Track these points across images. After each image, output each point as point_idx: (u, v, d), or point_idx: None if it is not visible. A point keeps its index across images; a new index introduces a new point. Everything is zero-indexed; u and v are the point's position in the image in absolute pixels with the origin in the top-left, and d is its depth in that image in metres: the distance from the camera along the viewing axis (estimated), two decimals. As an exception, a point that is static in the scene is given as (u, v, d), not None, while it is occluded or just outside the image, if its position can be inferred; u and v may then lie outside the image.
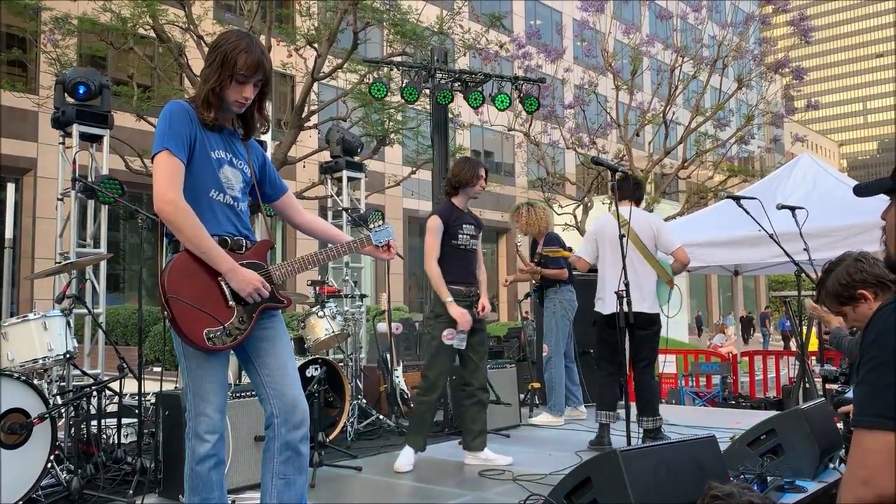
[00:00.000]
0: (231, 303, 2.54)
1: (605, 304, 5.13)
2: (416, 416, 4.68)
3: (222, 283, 2.52)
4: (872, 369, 1.34)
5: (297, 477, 2.62)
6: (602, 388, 5.31)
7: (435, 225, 4.63)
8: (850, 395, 3.18)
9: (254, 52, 2.53)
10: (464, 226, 4.71)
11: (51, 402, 3.95)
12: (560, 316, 6.29)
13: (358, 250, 2.92)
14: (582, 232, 17.34)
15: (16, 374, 3.75)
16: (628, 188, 5.31)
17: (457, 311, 4.53)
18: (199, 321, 2.47)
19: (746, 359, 9.69)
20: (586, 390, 6.71)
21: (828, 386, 5.60)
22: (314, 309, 5.68)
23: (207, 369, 2.55)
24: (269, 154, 3.89)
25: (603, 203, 17.93)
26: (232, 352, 2.67)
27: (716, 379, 9.12)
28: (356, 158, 7.26)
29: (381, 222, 2.96)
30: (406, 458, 4.59)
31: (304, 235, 3.12)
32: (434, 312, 4.68)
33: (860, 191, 1.57)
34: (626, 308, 4.17)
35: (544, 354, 6.42)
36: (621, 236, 4.29)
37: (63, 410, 4.12)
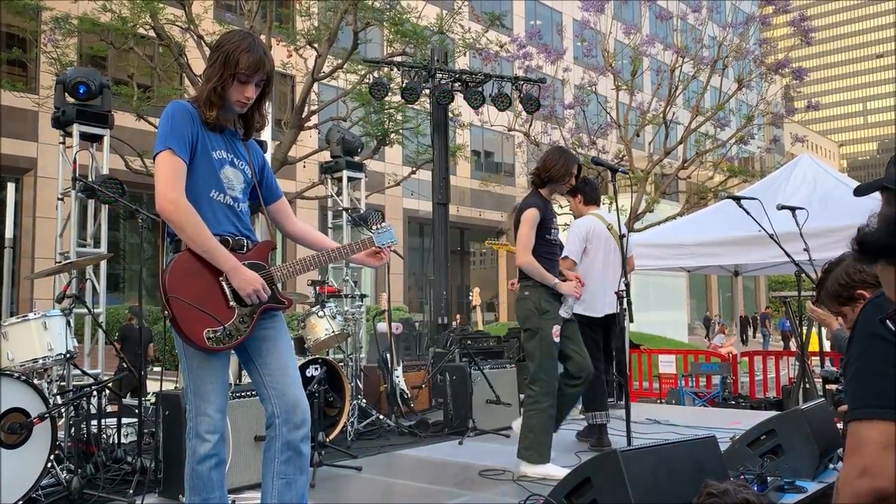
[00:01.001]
0: (232, 303, 2.53)
1: (594, 306, 5.06)
2: (541, 429, 4.29)
3: (223, 283, 2.52)
4: (863, 365, 1.36)
5: (297, 477, 2.61)
6: (595, 388, 5.14)
7: (532, 217, 4.37)
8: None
9: (256, 53, 2.53)
10: (553, 220, 4.54)
11: (51, 401, 3.96)
12: (559, 316, 6.29)
13: (360, 252, 2.89)
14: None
15: (16, 374, 3.75)
16: (594, 193, 5.29)
17: (569, 287, 4.38)
18: (199, 321, 2.47)
19: (746, 359, 9.70)
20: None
21: (828, 386, 5.60)
22: (314, 309, 5.68)
23: (208, 369, 2.55)
24: (269, 154, 3.89)
25: (602, 203, 17.89)
26: (232, 351, 2.67)
27: (716, 379, 9.12)
28: (356, 158, 7.27)
29: (382, 223, 2.94)
30: (555, 469, 4.21)
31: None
32: (540, 309, 4.33)
33: (858, 191, 1.59)
34: (626, 308, 4.18)
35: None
36: (622, 236, 4.31)
37: (63, 410, 4.12)
